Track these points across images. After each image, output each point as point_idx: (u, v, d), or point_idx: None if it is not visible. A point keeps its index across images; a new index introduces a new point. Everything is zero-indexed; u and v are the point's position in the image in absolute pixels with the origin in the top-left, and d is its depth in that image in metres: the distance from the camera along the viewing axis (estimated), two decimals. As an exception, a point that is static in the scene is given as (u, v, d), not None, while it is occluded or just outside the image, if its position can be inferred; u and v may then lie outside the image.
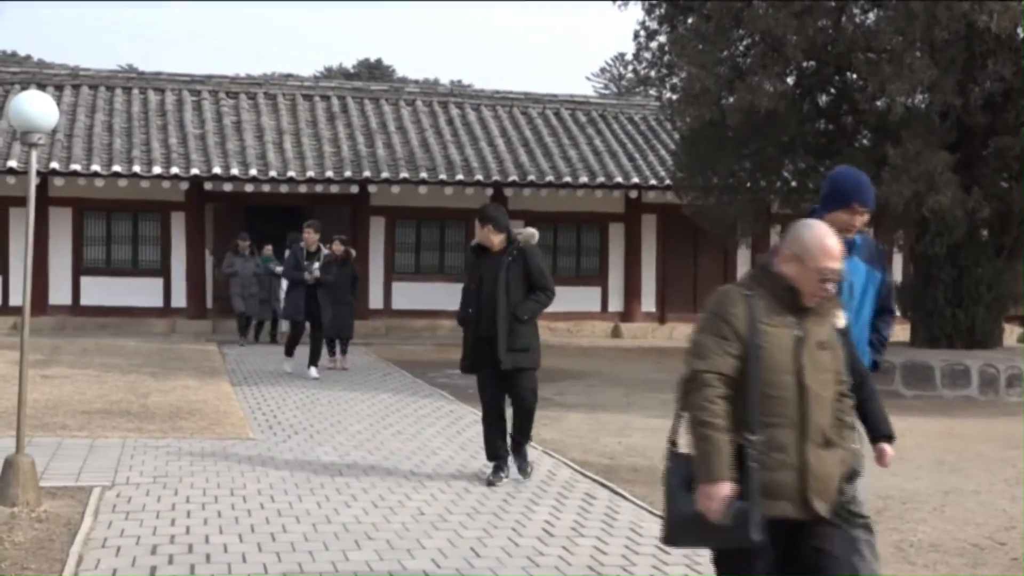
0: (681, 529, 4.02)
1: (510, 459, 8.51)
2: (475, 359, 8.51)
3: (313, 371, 14.78)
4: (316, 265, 14.72)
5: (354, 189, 22.11)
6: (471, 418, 11.76)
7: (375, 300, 23.03)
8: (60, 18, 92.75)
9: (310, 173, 21.70)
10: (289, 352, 15.43)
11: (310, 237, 14.90)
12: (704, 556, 6.48)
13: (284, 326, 18.70)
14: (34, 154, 7.84)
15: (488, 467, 8.58)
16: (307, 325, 15.22)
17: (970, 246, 15.99)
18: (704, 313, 4.05)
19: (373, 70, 58.06)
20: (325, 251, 15.09)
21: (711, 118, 16.23)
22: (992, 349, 16.05)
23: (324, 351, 15.67)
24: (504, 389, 8.46)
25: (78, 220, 22.10)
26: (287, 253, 15.97)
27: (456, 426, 11.17)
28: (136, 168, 20.92)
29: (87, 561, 6.07)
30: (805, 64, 16.26)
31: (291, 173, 21.58)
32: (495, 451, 8.48)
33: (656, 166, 23.64)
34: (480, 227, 8.48)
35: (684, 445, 4.02)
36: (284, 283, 17.04)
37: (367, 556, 6.33)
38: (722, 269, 24.61)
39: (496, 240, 8.41)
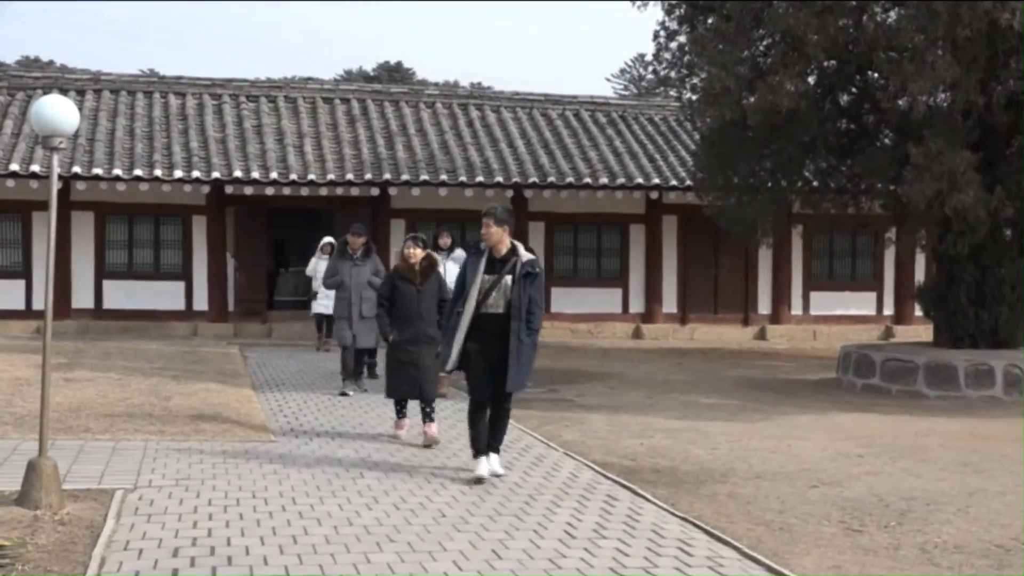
0: None
1: None
2: None
3: (497, 464, 8.87)
4: (509, 280, 8.62)
5: (374, 192, 22.13)
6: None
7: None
8: (81, 22, 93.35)
9: (330, 176, 21.73)
10: (479, 448, 8.75)
11: (498, 233, 8.68)
12: (728, 559, 6.46)
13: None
14: (56, 158, 7.88)
15: None
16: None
17: (993, 246, 15.88)
18: None
19: (393, 72, 58.20)
20: (528, 255, 8.73)
21: (731, 118, 16.15)
22: (1016, 349, 15.93)
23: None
24: None
25: (100, 224, 22.19)
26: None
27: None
28: (157, 172, 20.99)
29: (109, 564, 6.09)
30: (826, 63, 16.16)
31: (311, 176, 21.62)
32: None
33: (676, 167, 23.58)
34: None
35: None
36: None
37: (389, 558, 6.33)
38: (743, 269, 24.55)
39: None
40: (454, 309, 8.74)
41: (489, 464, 8.62)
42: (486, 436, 8.67)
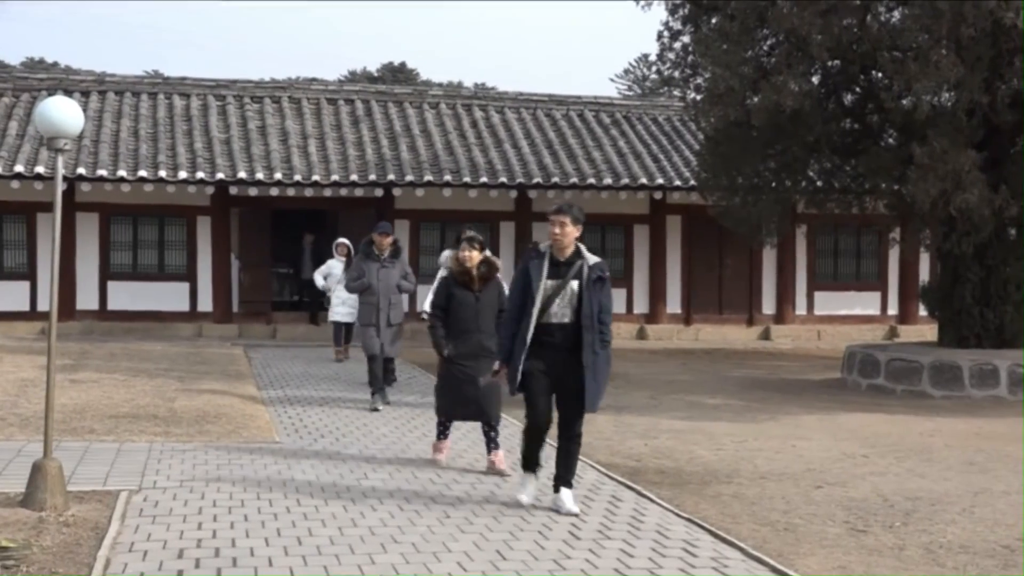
0: None
1: None
2: None
3: (571, 500, 7.68)
4: (575, 285, 7.73)
5: (378, 192, 22.12)
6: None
7: (400, 303, 23.04)
8: (85, 23, 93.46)
9: (335, 177, 21.73)
10: (528, 465, 8.02)
11: (572, 234, 7.77)
12: (733, 560, 6.46)
13: None
14: (60, 160, 7.89)
15: None
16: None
17: (998, 245, 15.87)
18: None
19: (397, 73, 58.21)
20: (594, 258, 7.87)
21: (736, 118, 16.15)
22: (1021, 349, 15.91)
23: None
24: None
25: (105, 225, 22.21)
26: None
27: (481, 429, 11.13)
28: (162, 173, 21.00)
29: (114, 565, 6.09)
30: (830, 63, 16.15)
31: (316, 177, 21.62)
32: None
33: (680, 167, 23.56)
34: None
35: None
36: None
37: (393, 559, 6.33)
38: (748, 270, 24.53)
39: None
40: (512, 320, 7.71)
41: (562, 501, 7.60)
42: (539, 455, 7.86)
